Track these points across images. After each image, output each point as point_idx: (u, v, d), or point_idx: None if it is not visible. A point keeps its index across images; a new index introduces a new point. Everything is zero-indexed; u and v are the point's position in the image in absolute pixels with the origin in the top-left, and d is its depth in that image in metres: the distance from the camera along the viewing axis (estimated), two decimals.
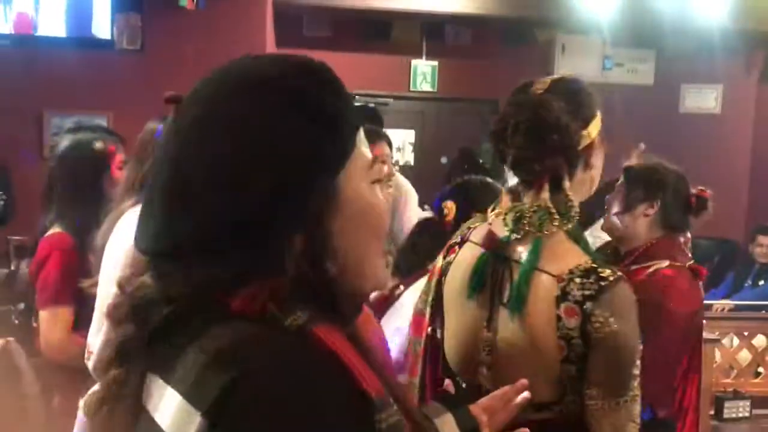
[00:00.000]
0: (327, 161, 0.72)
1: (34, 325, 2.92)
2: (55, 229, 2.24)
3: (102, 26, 4.76)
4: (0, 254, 4.39)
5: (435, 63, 6.94)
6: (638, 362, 1.40)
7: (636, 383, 1.40)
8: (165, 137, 0.77)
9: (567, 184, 1.43)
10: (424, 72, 6.95)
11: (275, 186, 0.69)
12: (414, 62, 6.95)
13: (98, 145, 2.32)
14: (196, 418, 0.64)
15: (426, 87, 6.95)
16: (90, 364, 1.97)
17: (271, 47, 5.62)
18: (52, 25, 4.77)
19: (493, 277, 1.46)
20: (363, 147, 0.78)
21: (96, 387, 0.76)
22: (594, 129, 1.48)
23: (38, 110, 5.08)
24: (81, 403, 2.05)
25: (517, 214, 1.43)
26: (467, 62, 6.89)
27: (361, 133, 0.78)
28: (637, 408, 1.40)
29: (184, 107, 0.76)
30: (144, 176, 1.96)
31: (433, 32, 6.86)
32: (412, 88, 6.95)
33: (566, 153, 1.42)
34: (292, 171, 0.70)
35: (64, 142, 2.40)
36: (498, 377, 1.43)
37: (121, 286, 0.78)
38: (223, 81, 0.76)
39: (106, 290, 1.93)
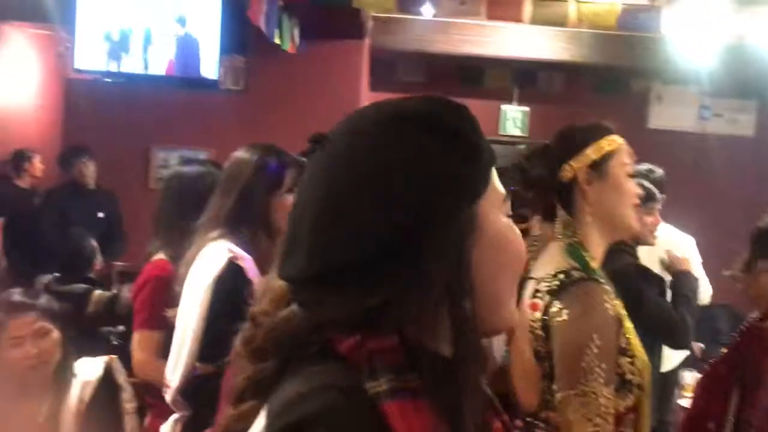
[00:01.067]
0: (469, 188, 0.74)
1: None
2: (159, 256, 2.35)
3: (208, 68, 5.03)
4: (103, 278, 4.64)
5: (526, 108, 6.97)
6: (598, 362, 1.43)
7: (596, 383, 1.42)
8: (310, 172, 0.78)
9: (560, 212, 1.62)
10: (514, 117, 6.99)
11: (423, 209, 0.71)
12: (504, 107, 7.00)
13: (204, 178, 2.40)
14: None
15: (516, 132, 6.99)
16: (168, 398, 2.06)
17: (365, 91, 5.79)
18: (161, 65, 5.07)
19: None
20: (497, 182, 0.80)
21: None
22: (578, 162, 1.61)
23: (146, 144, 5.39)
24: (162, 428, 2.14)
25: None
26: (558, 108, 6.87)
27: (494, 170, 0.80)
28: (595, 408, 1.41)
29: (333, 141, 0.77)
30: (230, 209, 2.06)
31: (524, 78, 6.90)
32: (501, 132, 7.00)
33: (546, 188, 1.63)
34: (439, 195, 0.72)
35: (173, 174, 2.50)
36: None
37: (254, 318, 0.78)
38: (375, 114, 0.78)
39: (184, 327, 2.01)
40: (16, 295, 2.23)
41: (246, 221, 2.06)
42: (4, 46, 5.70)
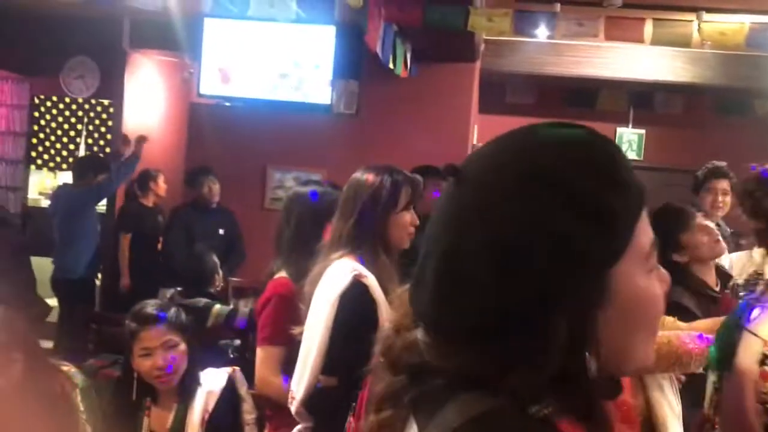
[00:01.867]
0: (599, 259, 0.70)
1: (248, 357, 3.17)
2: (281, 274, 2.43)
3: (322, 92, 5.18)
4: (221, 294, 4.82)
5: (642, 131, 6.76)
6: None
7: None
8: (442, 209, 0.76)
9: None
10: (629, 140, 6.79)
11: (547, 279, 0.69)
12: (619, 130, 6.81)
13: (322, 198, 2.46)
14: None
15: (631, 155, 6.77)
16: (293, 408, 2.10)
17: (474, 113, 5.79)
18: (278, 89, 5.27)
19: None
20: (642, 236, 0.74)
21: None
22: None
23: (262, 165, 5.58)
24: None
25: None
26: (677, 131, 6.63)
27: (643, 218, 0.74)
28: None
29: (467, 182, 0.74)
30: (350, 229, 2.11)
31: (640, 100, 6.70)
32: None
33: None
34: (565, 266, 0.69)
35: (292, 194, 2.58)
36: None
37: (397, 329, 0.79)
38: (514, 162, 0.73)
39: (309, 341, 2.05)
40: (148, 307, 2.35)
41: (366, 240, 2.10)
42: (134, 72, 6.07)
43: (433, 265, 0.74)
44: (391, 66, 4.50)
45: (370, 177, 2.16)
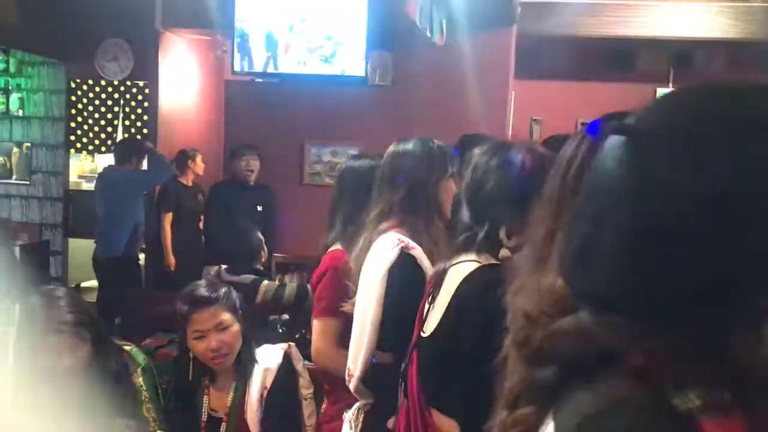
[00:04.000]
0: None
1: (304, 333, 3.18)
2: (336, 247, 2.41)
3: (356, 65, 5.12)
4: (265, 270, 4.84)
5: None
6: None
7: None
8: (612, 172, 0.68)
9: None
10: None
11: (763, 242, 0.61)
12: (660, 91, 6.65)
13: (376, 170, 2.42)
14: None
15: None
16: (351, 386, 2.09)
17: (512, 79, 5.69)
18: (312, 63, 5.22)
19: None
20: None
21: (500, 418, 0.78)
22: None
23: (300, 140, 5.56)
24: (345, 415, 2.19)
25: None
26: None
27: None
28: None
29: (646, 140, 0.66)
30: (401, 200, 2.07)
31: (681, 59, 6.52)
32: None
33: None
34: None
35: (345, 168, 2.55)
36: None
37: (531, 318, 0.75)
38: (701, 112, 0.65)
39: (362, 318, 2.04)
40: (200, 289, 2.33)
41: (418, 210, 2.08)
42: (167, 52, 6.07)
43: (616, 241, 0.66)
44: (428, 34, 4.42)
45: (416, 146, 2.13)
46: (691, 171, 0.62)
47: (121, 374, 2.29)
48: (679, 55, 6.47)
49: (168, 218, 5.50)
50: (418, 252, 2.03)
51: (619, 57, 6.47)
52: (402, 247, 2.02)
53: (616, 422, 0.62)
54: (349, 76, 5.16)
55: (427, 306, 1.81)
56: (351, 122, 5.39)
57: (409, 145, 2.14)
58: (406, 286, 1.98)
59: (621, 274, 0.65)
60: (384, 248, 2.04)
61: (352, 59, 5.12)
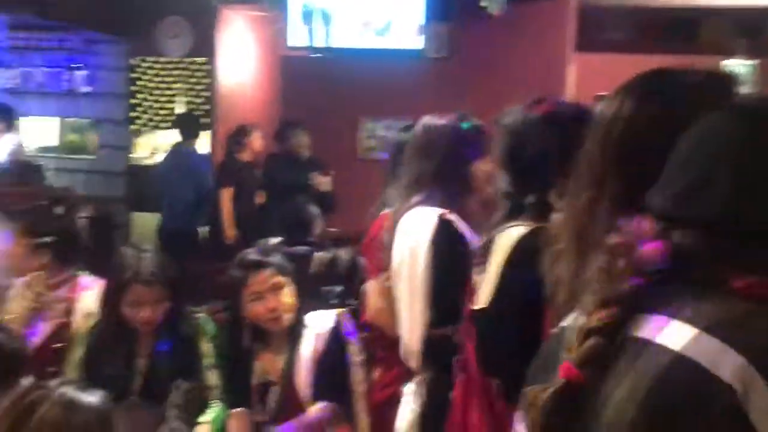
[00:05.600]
0: None
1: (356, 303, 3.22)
2: (385, 212, 2.43)
3: (412, 37, 5.09)
4: (320, 243, 4.89)
5: (752, 62, 6.32)
6: None
7: None
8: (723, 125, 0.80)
9: None
10: (738, 73, 6.38)
11: None
12: (725, 63, 6.40)
13: None
14: (729, 354, 0.69)
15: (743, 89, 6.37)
16: (411, 363, 2.09)
17: (570, 50, 5.56)
18: (367, 37, 5.22)
19: None
20: None
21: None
22: None
23: (354, 115, 5.59)
24: (405, 388, 2.19)
25: None
26: None
27: None
28: None
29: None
30: (434, 172, 2.05)
31: (749, 28, 6.26)
32: None
33: None
34: None
35: (395, 141, 2.56)
36: None
37: (612, 250, 0.82)
38: None
39: (409, 293, 2.03)
40: (253, 254, 2.40)
41: (449, 185, 2.07)
42: (225, 29, 6.15)
43: (734, 173, 0.76)
44: (484, 4, 4.36)
45: (452, 121, 2.12)
46: None
47: (191, 338, 2.39)
48: (747, 24, 6.20)
49: (227, 193, 5.61)
50: (454, 217, 2.02)
51: (682, 28, 6.25)
52: (440, 215, 2.01)
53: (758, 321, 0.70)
54: (404, 50, 5.14)
55: (476, 278, 1.78)
56: (405, 96, 5.37)
57: (445, 120, 2.13)
58: (453, 255, 1.97)
59: (741, 198, 0.75)
60: (422, 221, 2.03)
61: (406, 32, 5.09)
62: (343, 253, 3.73)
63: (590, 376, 0.79)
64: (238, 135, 5.78)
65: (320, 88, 5.54)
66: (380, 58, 5.35)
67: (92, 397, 1.29)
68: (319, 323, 2.42)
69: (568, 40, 5.32)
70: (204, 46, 6.08)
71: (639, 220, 0.82)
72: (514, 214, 1.65)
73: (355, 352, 2.44)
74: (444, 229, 1.99)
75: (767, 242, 0.73)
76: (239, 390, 2.41)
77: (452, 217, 2.01)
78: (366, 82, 5.47)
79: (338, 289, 3.76)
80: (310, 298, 3.34)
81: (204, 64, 6.15)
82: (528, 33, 5.16)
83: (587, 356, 0.79)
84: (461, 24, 5.23)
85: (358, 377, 2.42)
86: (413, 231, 2.04)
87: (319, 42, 5.25)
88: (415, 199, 2.08)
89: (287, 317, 2.35)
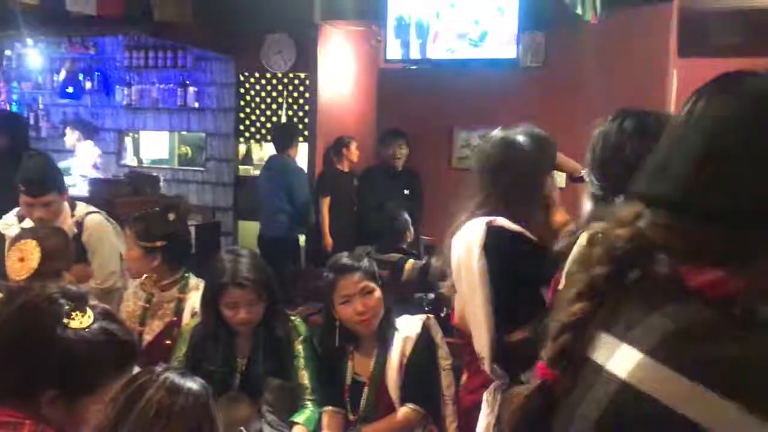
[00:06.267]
0: None
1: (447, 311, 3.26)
2: None
3: (507, 47, 5.10)
4: (413, 251, 4.96)
5: None
6: None
7: None
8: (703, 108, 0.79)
9: None
10: None
11: None
12: None
13: None
14: (668, 373, 0.67)
15: None
16: (486, 368, 2.07)
17: (674, 57, 5.41)
18: (462, 48, 5.26)
19: None
20: None
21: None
22: None
23: (449, 125, 5.64)
24: (485, 395, 2.21)
25: None
26: None
27: None
28: None
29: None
30: (506, 188, 2.04)
31: None
32: None
33: None
34: None
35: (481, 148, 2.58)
36: None
37: (592, 240, 0.83)
38: None
39: (472, 302, 2.04)
40: (344, 258, 2.51)
41: (520, 201, 2.07)
42: (325, 44, 6.36)
43: (692, 148, 0.76)
44: (579, 12, 4.33)
45: (526, 136, 2.11)
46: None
47: (285, 339, 2.51)
48: None
49: (326, 202, 5.79)
50: (502, 221, 2.01)
51: None
52: (487, 222, 2.00)
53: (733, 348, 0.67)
54: (499, 59, 5.16)
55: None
56: (500, 105, 5.38)
57: (519, 136, 2.12)
58: (505, 259, 1.97)
59: (700, 180, 0.74)
60: (471, 229, 2.04)
61: (500, 42, 5.11)
62: (435, 261, 3.79)
63: (562, 375, 0.79)
64: (337, 146, 5.96)
65: (416, 99, 5.63)
66: (475, 69, 5.38)
67: (193, 383, 1.41)
68: (409, 327, 2.49)
69: (671, 46, 5.18)
70: (306, 61, 6.30)
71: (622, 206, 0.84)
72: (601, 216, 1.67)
73: (444, 357, 2.49)
74: (493, 234, 1.99)
75: (729, 226, 0.72)
76: (332, 389, 2.51)
77: (503, 222, 2.00)
78: (461, 92, 5.51)
79: (431, 295, 3.82)
80: (403, 303, 3.43)
81: (306, 78, 6.37)
82: (625, 40, 5.06)
83: (556, 354, 0.80)
84: (556, 32, 5.19)
85: (446, 381, 2.47)
86: (464, 239, 2.05)
87: (415, 54, 5.35)
88: (478, 212, 2.08)
89: (375, 320, 2.43)
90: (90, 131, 7.00)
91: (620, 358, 0.72)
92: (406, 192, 5.45)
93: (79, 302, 1.50)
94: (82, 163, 6.74)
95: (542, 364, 0.82)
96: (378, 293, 2.44)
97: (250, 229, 6.34)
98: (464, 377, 2.49)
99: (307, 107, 6.40)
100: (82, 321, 1.46)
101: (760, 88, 0.76)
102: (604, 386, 0.72)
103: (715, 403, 0.64)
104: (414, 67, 5.57)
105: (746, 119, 0.74)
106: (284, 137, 5.77)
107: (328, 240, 5.72)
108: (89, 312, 1.49)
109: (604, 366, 0.73)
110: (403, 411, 2.42)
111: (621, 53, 5.08)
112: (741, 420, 0.63)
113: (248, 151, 6.80)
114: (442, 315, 3.46)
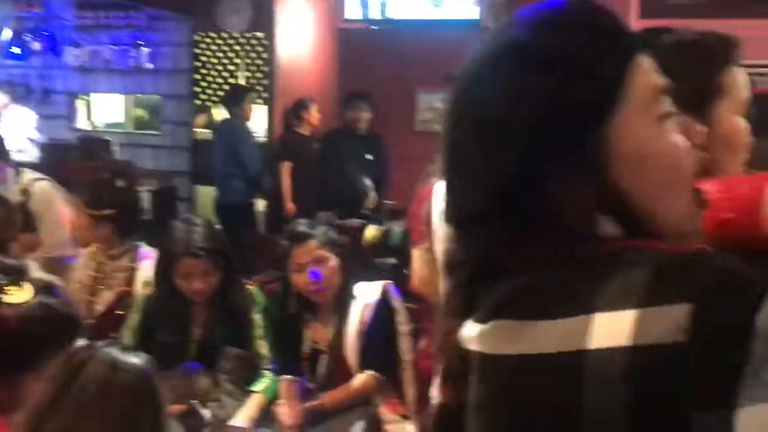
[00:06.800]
0: (579, 114, 0.67)
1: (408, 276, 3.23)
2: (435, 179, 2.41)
3: (468, 7, 5.02)
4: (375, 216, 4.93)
5: None
6: None
7: None
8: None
9: None
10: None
11: (534, 146, 0.68)
12: None
13: None
14: (677, 310, 0.60)
15: None
16: None
17: (635, 19, 5.39)
18: (422, 8, 5.16)
19: None
20: (639, 82, 0.69)
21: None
22: None
23: (411, 88, 5.56)
24: None
25: None
26: None
27: (638, 64, 0.70)
28: None
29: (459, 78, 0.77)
30: None
31: None
32: None
33: None
34: (546, 129, 0.67)
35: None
36: None
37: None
38: (482, 51, 0.75)
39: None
40: (299, 226, 2.47)
41: None
42: (283, 3, 6.18)
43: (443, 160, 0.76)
44: None
45: None
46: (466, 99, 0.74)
47: (242, 309, 2.46)
48: None
49: (285, 167, 5.68)
50: None
51: None
52: None
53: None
54: (461, 20, 5.08)
55: None
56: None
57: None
58: None
59: (448, 190, 0.75)
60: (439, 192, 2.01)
61: (462, 2, 5.03)
62: (397, 226, 3.75)
63: (453, 395, 0.76)
64: (297, 109, 5.83)
65: (377, 60, 5.53)
66: (437, 29, 5.30)
67: (136, 359, 1.35)
68: (368, 294, 2.46)
69: (630, 6, 5.15)
70: (263, 20, 6.13)
71: None
72: None
73: (402, 322, 2.47)
74: None
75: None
76: (290, 358, 2.47)
77: None
78: (423, 54, 5.43)
79: (391, 261, 3.79)
80: (363, 269, 3.39)
81: (264, 38, 6.21)
82: None
83: (445, 375, 0.79)
84: None
85: (405, 347, 2.46)
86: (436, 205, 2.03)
87: (375, 14, 5.23)
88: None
89: (330, 289, 2.39)
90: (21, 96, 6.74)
91: (605, 328, 0.63)
92: (369, 156, 5.38)
93: (16, 276, 1.43)
94: (14, 129, 6.47)
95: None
96: (333, 262, 2.39)
97: (207, 195, 6.21)
98: (423, 342, 2.48)
99: (266, 68, 6.25)
100: (19, 295, 1.40)
101: (674, 41, 0.77)
102: (603, 367, 0.62)
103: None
104: (374, 27, 5.46)
105: None
106: (231, 98, 5.63)
107: (290, 206, 5.63)
108: (27, 286, 1.42)
109: (584, 347, 0.63)
110: (361, 378, 2.40)
111: None
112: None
113: (206, 114, 6.63)
114: (402, 280, 3.43)
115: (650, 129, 0.70)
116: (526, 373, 0.67)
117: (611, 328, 0.62)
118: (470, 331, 0.73)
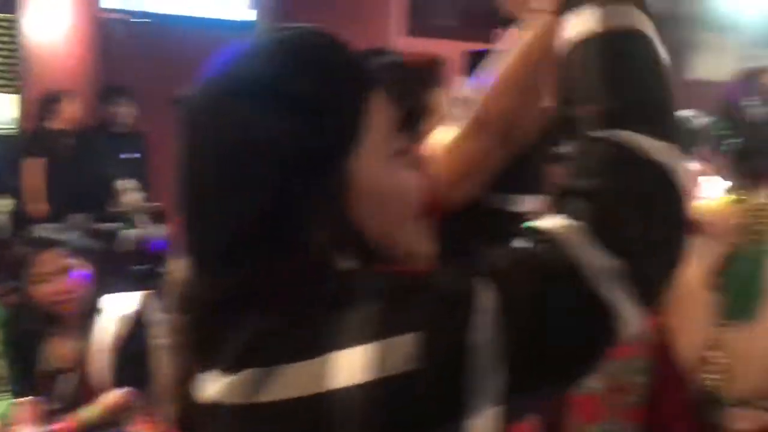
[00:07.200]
0: (318, 155, 0.67)
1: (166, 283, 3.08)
2: None
3: (243, 9, 4.92)
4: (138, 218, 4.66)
5: None
6: None
7: None
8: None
9: None
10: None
11: (277, 186, 0.66)
12: None
13: None
14: (406, 339, 0.61)
15: None
16: None
17: (398, 36, 5.65)
18: (194, 4, 4.97)
19: None
20: (377, 116, 0.70)
21: None
22: None
23: (176, 86, 5.33)
24: None
25: None
26: None
27: (378, 99, 0.70)
28: None
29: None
30: None
31: None
32: None
33: None
34: (283, 169, 0.66)
35: None
36: None
37: None
38: (213, 83, 0.72)
39: None
40: (44, 231, 2.26)
41: None
42: None
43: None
44: None
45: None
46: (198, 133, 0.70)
47: None
48: None
49: (35, 164, 5.18)
50: None
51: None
52: None
53: None
54: (235, 21, 4.97)
55: None
56: None
57: None
58: None
59: (186, 227, 0.71)
60: None
61: (237, 3, 4.92)
62: (155, 230, 3.57)
63: None
64: (48, 102, 5.34)
65: (141, 56, 5.23)
66: (208, 29, 5.14)
67: None
68: (123, 306, 2.30)
69: (392, 23, 5.38)
70: (11, 1, 5.57)
71: None
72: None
73: (160, 336, 2.35)
74: None
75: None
76: (28, 378, 2.25)
77: None
78: (192, 53, 5.22)
79: (148, 267, 3.60)
80: (117, 278, 3.18)
81: (12, 21, 5.64)
82: (348, 13, 5.15)
83: (182, 425, 0.77)
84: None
85: (161, 362, 2.33)
86: None
87: (135, 4, 4.92)
88: None
89: (77, 302, 2.21)
90: None
91: (344, 367, 0.61)
92: (130, 155, 5.09)
93: None
94: None
95: None
96: (81, 272, 2.21)
97: None
98: None
99: (16, 54, 5.68)
100: None
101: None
102: (343, 408, 0.60)
103: None
104: (137, 20, 5.16)
105: None
106: None
107: (38, 207, 5.13)
108: None
109: (325, 389, 0.61)
110: (114, 395, 2.24)
111: (349, 26, 5.18)
112: None
113: None
114: (160, 287, 3.27)
115: (386, 167, 0.71)
116: (275, 422, 0.64)
117: (350, 366, 0.61)
118: (215, 383, 0.68)
